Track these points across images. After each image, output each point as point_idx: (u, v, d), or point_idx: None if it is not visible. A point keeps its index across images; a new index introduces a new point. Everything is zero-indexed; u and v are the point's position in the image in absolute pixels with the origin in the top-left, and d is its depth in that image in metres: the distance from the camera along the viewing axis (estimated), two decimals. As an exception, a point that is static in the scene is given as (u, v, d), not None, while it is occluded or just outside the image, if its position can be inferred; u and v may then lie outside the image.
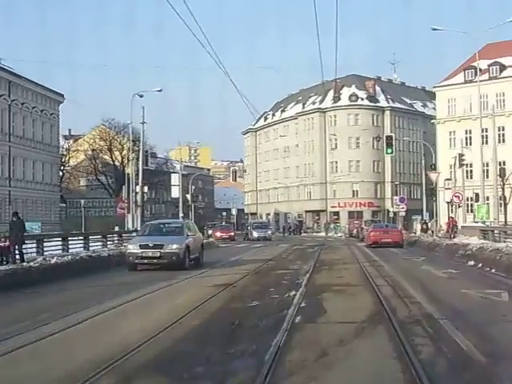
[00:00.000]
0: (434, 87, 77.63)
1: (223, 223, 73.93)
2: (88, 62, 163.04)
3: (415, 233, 57.16)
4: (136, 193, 38.69)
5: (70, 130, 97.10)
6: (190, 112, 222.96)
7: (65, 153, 75.91)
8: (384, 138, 36.92)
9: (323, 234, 75.38)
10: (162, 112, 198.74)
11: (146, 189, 39.87)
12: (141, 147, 41.27)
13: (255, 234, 48.50)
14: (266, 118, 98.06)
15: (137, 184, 40.46)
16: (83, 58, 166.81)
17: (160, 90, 39.66)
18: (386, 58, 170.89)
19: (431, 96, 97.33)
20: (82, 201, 54.82)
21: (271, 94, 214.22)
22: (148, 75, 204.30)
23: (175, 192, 59.40)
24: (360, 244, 37.08)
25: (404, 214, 55.67)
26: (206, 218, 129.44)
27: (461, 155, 45.65)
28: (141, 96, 39.79)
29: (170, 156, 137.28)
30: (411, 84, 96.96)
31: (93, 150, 74.02)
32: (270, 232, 50.03)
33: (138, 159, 71.34)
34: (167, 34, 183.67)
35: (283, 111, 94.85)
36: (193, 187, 55.87)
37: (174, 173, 64.24)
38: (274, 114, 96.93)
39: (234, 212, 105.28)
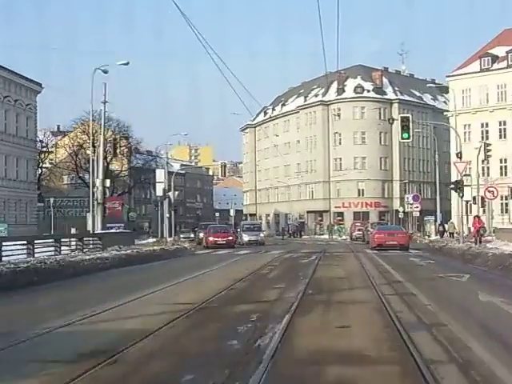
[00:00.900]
0: (447, 76, 69.98)
1: (218, 224, 61.55)
2: (81, 50, 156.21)
3: (429, 235, 49.62)
4: (96, 188, 31.29)
5: (58, 126, 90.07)
6: (189, 111, 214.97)
7: (45, 149, 68.89)
8: (399, 119, 29.43)
9: (326, 236, 67.94)
10: (162, 111, 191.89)
11: (107, 183, 32.38)
12: (101, 131, 33.92)
13: (245, 238, 41.14)
14: (265, 113, 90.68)
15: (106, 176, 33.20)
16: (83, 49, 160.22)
17: (127, 63, 32.29)
18: (394, 49, 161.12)
19: (442, 89, 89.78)
20: (52, 199, 47.59)
21: (273, 89, 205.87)
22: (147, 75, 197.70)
23: (160, 190, 52.21)
24: (369, 251, 29.62)
25: (418, 214, 48.21)
26: (204, 219, 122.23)
27: (487, 145, 38.60)
28: (105, 72, 32.49)
29: (171, 156, 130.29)
30: (420, 76, 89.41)
31: (73, 145, 66.75)
32: (262, 235, 42.55)
33: (122, 154, 63.33)
34: (167, 34, 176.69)
35: (284, 105, 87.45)
36: (175, 192, 48.35)
37: (159, 168, 56.99)
38: (273, 109, 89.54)
39: (231, 213, 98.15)
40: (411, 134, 74.33)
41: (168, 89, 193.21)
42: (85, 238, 25.45)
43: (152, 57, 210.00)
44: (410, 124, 29.38)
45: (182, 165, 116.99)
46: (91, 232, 30.74)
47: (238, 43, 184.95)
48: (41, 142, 69.04)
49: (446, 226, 50.00)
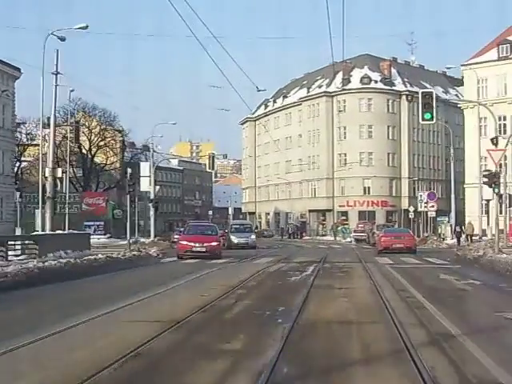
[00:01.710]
0: (462, 65, 63.30)
1: (202, 222, 46.56)
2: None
3: (443, 238, 43.23)
4: (45, 179, 25.03)
5: (48, 118, 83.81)
6: (190, 108, 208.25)
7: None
8: (420, 96, 23.12)
9: (329, 237, 61.62)
10: (162, 110, 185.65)
11: (59, 172, 26.09)
12: (52, 112, 27.77)
13: (234, 240, 34.93)
14: (266, 106, 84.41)
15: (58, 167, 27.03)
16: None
17: (85, 27, 26.05)
18: (402, 39, 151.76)
19: (453, 82, 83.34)
20: (17, 194, 41.48)
21: (275, 82, 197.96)
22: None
23: (145, 185, 46.01)
24: (380, 259, 23.26)
25: (434, 214, 41.91)
26: (204, 217, 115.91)
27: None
28: (62, 39, 26.38)
29: (171, 152, 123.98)
30: (431, 68, 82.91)
31: (55, 136, 60.22)
32: (253, 237, 36.14)
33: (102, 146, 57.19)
34: (167, 33, 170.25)
35: (285, 97, 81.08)
36: (156, 186, 42.11)
37: (144, 161, 50.83)
38: (275, 101, 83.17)
39: (230, 211, 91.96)
40: (421, 128, 67.65)
41: (166, 82, 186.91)
42: (13, 242, 19.32)
43: (151, 54, 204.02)
44: (434, 102, 23.06)
45: (180, 161, 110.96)
46: (39, 232, 24.61)
47: (238, 38, 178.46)
48: (29, 134, 63.15)
49: (462, 227, 43.77)
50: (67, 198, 57.57)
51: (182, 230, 34.62)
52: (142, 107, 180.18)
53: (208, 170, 39.79)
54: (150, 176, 45.60)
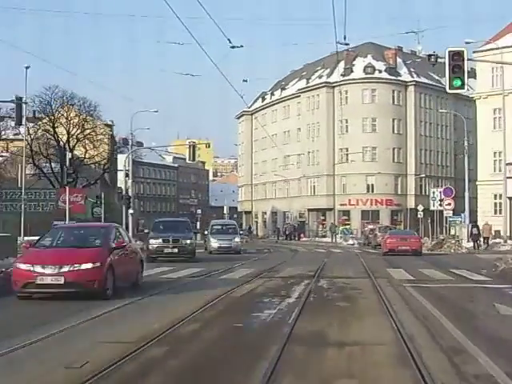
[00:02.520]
0: (474, 52, 56.89)
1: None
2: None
3: (458, 241, 37.10)
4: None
5: (34, 111, 77.90)
6: (189, 106, 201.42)
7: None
8: (446, 57, 17.18)
9: (329, 239, 55.53)
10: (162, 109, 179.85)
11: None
12: None
13: (214, 244, 28.84)
14: (263, 99, 78.37)
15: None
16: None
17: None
18: (408, 26, 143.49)
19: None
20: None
21: (274, 75, 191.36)
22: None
23: (122, 179, 40.08)
24: (397, 274, 17.10)
25: (451, 213, 35.88)
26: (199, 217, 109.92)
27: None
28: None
29: (167, 150, 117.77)
30: (438, 59, 76.59)
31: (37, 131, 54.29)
32: (237, 239, 29.83)
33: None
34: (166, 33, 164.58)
35: (284, 89, 75.01)
36: (128, 180, 36.17)
37: (120, 153, 44.84)
38: (272, 94, 77.11)
39: (225, 210, 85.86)
40: (429, 122, 61.63)
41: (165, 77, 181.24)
42: None
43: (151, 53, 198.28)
44: (465, 64, 17.14)
45: (175, 158, 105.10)
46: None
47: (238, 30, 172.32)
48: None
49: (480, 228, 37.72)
50: (41, 194, 52.05)
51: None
52: (142, 104, 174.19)
53: (188, 161, 33.70)
54: (127, 170, 39.70)
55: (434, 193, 38.28)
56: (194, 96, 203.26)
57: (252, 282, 14.29)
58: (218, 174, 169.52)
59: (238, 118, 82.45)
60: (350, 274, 16.60)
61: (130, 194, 35.26)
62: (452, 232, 44.15)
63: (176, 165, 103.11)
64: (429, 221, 53.60)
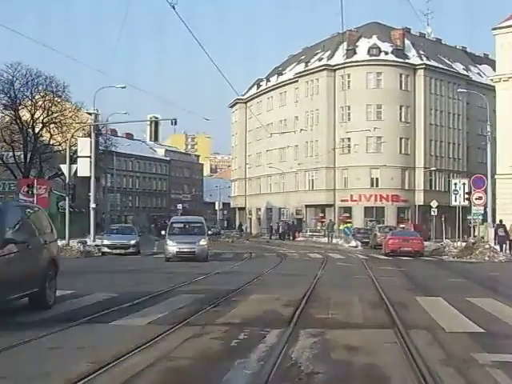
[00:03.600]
0: (494, 29, 49.11)
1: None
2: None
3: (485, 241, 29.40)
4: None
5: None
6: (187, 99, 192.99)
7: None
8: None
9: (329, 239, 47.87)
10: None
11: None
12: None
13: (172, 248, 21.21)
14: (258, 86, 70.78)
15: None
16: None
17: None
18: (417, 7, 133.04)
19: (475, 59, 69.70)
20: None
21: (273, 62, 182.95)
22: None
23: (84, 168, 32.46)
24: (447, 314, 9.55)
25: (482, 209, 28.23)
26: (194, 213, 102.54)
27: None
28: None
29: (164, 143, 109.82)
30: (449, 42, 69.17)
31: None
32: (203, 242, 21.92)
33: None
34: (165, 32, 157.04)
35: (280, 75, 67.42)
36: (72, 166, 28.62)
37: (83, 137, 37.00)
38: (268, 80, 69.50)
39: (217, 206, 78.63)
40: (440, 110, 53.83)
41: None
42: None
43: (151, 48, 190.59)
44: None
45: (167, 151, 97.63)
46: None
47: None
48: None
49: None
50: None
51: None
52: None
53: (150, 141, 26.03)
54: (89, 156, 32.11)
55: (456, 185, 30.43)
56: (193, 89, 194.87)
57: (153, 347, 6.70)
58: (218, 170, 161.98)
59: (232, 107, 74.88)
60: (358, 318, 8.92)
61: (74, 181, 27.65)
62: (479, 233, 36.66)
63: (168, 158, 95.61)
64: (443, 219, 46.13)
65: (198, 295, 11.17)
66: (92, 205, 35.07)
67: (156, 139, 26.72)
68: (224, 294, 11.19)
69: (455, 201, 29.98)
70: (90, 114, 36.23)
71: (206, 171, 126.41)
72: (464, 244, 27.75)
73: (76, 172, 30.20)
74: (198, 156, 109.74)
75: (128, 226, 37.45)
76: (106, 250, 26.16)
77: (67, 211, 27.69)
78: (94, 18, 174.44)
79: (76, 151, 47.62)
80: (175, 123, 25.97)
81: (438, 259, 26.17)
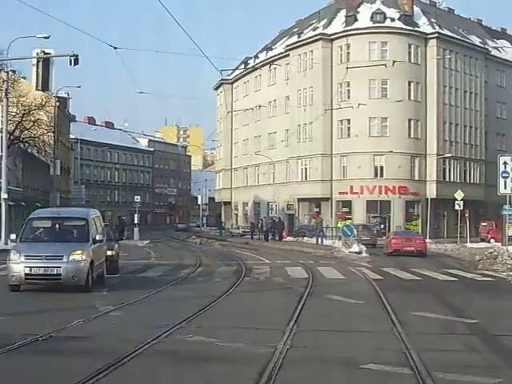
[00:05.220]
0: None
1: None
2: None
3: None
4: None
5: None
6: (183, 91, 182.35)
7: None
8: None
9: (330, 241, 37.87)
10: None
11: None
12: None
13: (18, 267, 10.31)
14: (246, 64, 60.80)
15: None
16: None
17: None
18: None
19: (492, 33, 59.81)
20: None
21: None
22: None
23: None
24: None
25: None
26: (181, 208, 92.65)
27: None
28: None
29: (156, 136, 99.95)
30: (462, 14, 59.24)
31: None
32: (80, 256, 10.78)
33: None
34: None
35: (270, 50, 57.57)
36: None
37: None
38: (257, 57, 59.63)
39: (200, 200, 68.97)
40: (455, 87, 43.44)
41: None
42: None
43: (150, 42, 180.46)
44: None
45: (150, 141, 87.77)
46: None
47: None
48: None
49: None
50: None
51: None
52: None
53: (36, 89, 16.35)
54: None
55: (505, 164, 20.22)
56: (189, 79, 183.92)
57: None
58: (213, 163, 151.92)
59: (216, 89, 65.01)
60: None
61: None
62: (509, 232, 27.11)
63: (152, 149, 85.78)
64: (466, 215, 36.39)
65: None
66: (3, 195, 25.26)
67: (46, 87, 16.89)
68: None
69: (505, 188, 19.99)
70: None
71: (199, 165, 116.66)
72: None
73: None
74: (186, 147, 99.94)
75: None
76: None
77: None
78: None
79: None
80: (76, 62, 16.18)
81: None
